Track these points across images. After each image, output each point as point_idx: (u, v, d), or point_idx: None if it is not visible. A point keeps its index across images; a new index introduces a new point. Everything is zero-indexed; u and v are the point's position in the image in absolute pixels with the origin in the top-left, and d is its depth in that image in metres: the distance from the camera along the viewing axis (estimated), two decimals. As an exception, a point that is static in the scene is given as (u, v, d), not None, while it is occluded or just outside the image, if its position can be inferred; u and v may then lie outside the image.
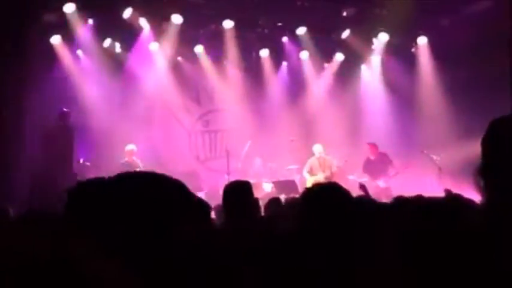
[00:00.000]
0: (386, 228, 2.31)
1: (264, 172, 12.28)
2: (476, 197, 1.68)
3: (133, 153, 11.17)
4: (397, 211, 2.49)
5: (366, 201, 3.00)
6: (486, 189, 1.58)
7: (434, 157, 11.00)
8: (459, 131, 11.35)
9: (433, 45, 12.70)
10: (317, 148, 11.60)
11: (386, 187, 11.07)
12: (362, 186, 7.61)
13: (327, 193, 2.28)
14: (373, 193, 8.15)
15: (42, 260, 1.89)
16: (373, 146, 11.64)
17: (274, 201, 5.69)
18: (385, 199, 7.66)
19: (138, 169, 10.75)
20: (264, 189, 11.52)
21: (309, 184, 10.31)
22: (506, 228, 1.43)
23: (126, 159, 11.08)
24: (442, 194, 6.52)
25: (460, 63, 11.63)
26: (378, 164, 11.46)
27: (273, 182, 11.61)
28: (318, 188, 2.44)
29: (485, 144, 1.64)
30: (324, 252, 2.09)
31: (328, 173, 11.31)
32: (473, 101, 11.17)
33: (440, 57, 12.40)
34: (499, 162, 1.58)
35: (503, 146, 1.59)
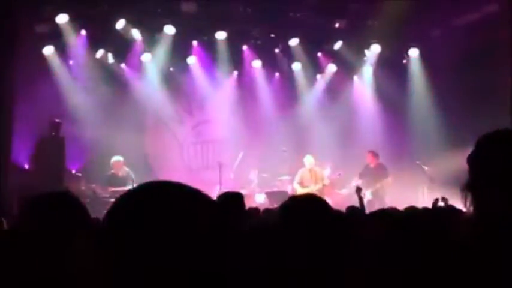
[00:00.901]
0: (362, 240, 2.32)
1: (257, 183, 12.26)
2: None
3: (120, 165, 10.93)
4: (377, 223, 2.48)
5: (344, 215, 2.97)
6: (473, 204, 1.60)
7: (426, 168, 11.04)
8: (450, 142, 11.41)
9: (424, 57, 12.79)
10: (308, 159, 11.55)
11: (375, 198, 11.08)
12: (358, 190, 7.57)
13: (305, 205, 2.27)
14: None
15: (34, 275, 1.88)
16: (373, 154, 11.61)
17: (267, 212, 5.70)
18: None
19: (129, 180, 10.68)
20: (257, 200, 11.49)
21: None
22: (492, 241, 1.43)
23: (112, 171, 10.94)
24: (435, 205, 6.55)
25: (451, 75, 11.72)
26: (374, 173, 11.44)
27: (266, 193, 11.59)
28: (296, 199, 2.43)
29: (472, 160, 1.66)
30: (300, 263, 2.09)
31: (320, 186, 11.28)
32: (465, 112, 11.24)
33: (431, 68, 12.49)
34: (485, 179, 1.59)
35: (489, 162, 1.60)
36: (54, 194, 2.19)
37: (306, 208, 2.22)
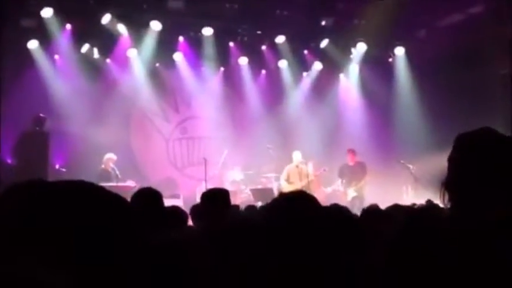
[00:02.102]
0: (354, 237, 2.34)
1: (242, 180, 12.28)
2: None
3: (111, 161, 11.04)
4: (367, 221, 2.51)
5: (334, 211, 2.99)
6: (451, 202, 1.62)
7: (411, 167, 11.13)
8: (435, 141, 11.50)
9: (409, 56, 12.89)
10: (296, 155, 11.57)
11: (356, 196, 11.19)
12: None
13: (294, 202, 2.28)
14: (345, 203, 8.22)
15: None
16: (352, 152, 11.73)
17: (249, 208, 5.70)
18: (357, 209, 7.71)
19: (114, 177, 10.71)
20: (242, 197, 11.51)
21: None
22: (468, 240, 1.46)
23: (103, 166, 10.97)
24: (417, 203, 6.60)
25: (436, 74, 11.82)
26: (353, 171, 11.56)
27: (251, 190, 11.60)
28: (285, 197, 2.43)
29: (450, 158, 1.69)
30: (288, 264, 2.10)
31: (305, 182, 11.32)
32: (450, 111, 11.34)
33: (416, 67, 12.59)
34: (463, 178, 1.62)
35: (468, 160, 1.63)
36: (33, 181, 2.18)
37: (295, 205, 2.23)
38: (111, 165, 10.97)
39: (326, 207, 3.03)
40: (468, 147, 1.67)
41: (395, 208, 4.34)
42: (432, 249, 1.46)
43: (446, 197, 1.64)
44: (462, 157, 1.65)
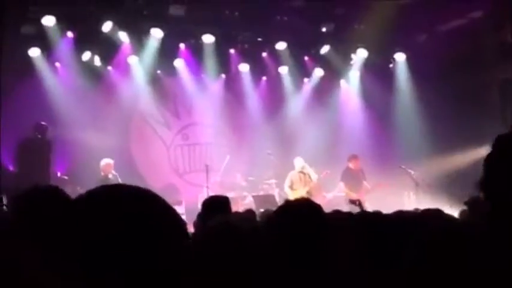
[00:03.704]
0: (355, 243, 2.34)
1: (244, 186, 12.26)
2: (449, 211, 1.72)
3: (109, 167, 10.83)
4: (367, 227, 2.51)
5: (339, 218, 3.01)
6: (486, 201, 1.63)
7: (412, 172, 11.10)
8: (436, 146, 11.51)
9: (410, 62, 12.89)
10: (298, 162, 11.45)
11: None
12: (360, 204, 7.62)
13: (300, 211, 2.30)
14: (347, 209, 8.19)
15: None
16: (357, 158, 11.62)
17: (248, 212, 5.68)
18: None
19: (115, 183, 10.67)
20: (244, 204, 11.49)
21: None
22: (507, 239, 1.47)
23: (103, 174, 10.86)
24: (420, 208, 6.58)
25: (436, 80, 11.82)
26: (355, 176, 11.46)
27: (253, 196, 11.58)
28: (290, 206, 2.45)
29: (489, 157, 1.69)
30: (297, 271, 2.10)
31: (308, 188, 11.26)
32: (450, 116, 11.34)
33: (417, 73, 12.59)
34: (501, 177, 1.62)
35: (506, 160, 1.63)
36: (42, 188, 2.23)
37: (300, 215, 2.25)
38: (113, 172, 10.87)
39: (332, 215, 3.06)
40: (507, 147, 1.67)
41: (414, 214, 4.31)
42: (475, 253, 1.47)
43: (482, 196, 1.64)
44: (501, 157, 1.65)
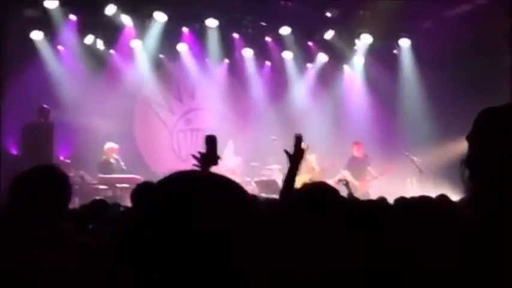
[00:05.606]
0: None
1: (246, 171, 12.26)
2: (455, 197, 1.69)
3: (113, 151, 10.94)
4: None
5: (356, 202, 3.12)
6: (471, 181, 1.55)
7: (415, 159, 11.07)
8: (441, 133, 11.46)
9: (415, 48, 12.80)
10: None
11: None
12: (346, 183, 7.63)
13: (319, 193, 2.37)
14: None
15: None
16: (360, 145, 11.65)
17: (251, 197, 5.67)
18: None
19: (118, 168, 10.68)
20: (247, 189, 11.45)
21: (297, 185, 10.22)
22: (493, 221, 1.42)
23: (104, 157, 10.90)
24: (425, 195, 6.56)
25: (441, 66, 11.73)
26: (360, 164, 11.48)
27: (255, 182, 11.59)
28: (308, 188, 2.55)
29: (473, 134, 1.60)
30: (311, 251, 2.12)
31: (312, 174, 11.26)
32: (455, 102, 11.27)
33: (422, 59, 12.50)
34: (485, 154, 1.55)
35: (489, 137, 1.55)
36: (41, 166, 2.24)
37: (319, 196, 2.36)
38: (115, 155, 10.91)
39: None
40: (493, 123, 1.57)
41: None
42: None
43: (466, 174, 1.56)
44: (487, 132, 1.56)
